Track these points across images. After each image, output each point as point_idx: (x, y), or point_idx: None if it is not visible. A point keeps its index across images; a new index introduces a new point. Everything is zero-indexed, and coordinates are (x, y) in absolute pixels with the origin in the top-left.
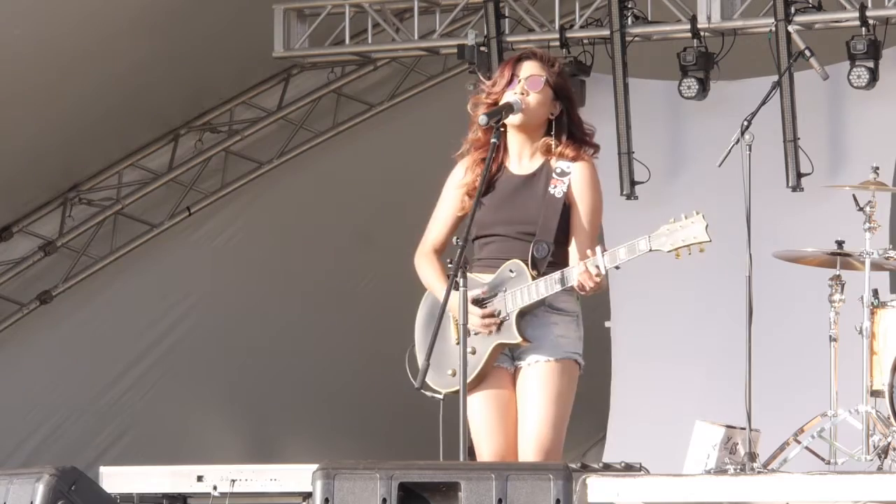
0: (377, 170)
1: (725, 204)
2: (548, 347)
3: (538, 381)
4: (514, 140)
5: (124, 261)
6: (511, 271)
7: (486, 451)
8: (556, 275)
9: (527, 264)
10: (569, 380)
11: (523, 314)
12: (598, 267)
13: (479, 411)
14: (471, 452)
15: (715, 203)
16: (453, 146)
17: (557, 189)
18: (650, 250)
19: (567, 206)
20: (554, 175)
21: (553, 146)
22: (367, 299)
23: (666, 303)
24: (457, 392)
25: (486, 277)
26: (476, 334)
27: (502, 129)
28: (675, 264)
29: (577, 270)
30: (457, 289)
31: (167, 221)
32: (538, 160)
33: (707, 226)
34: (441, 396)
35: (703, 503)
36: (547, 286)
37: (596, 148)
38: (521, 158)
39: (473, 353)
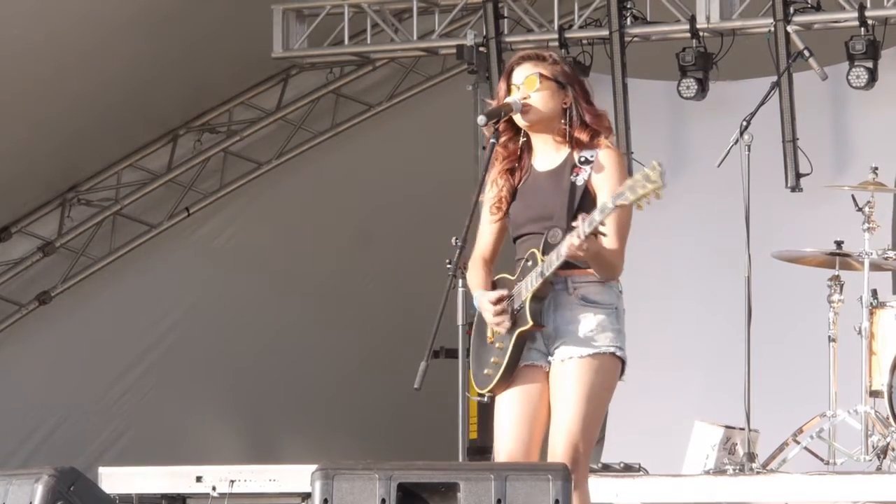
0: (376, 170)
1: (724, 204)
2: (578, 343)
3: (568, 377)
4: (537, 140)
5: (123, 261)
6: (529, 262)
7: (501, 451)
8: (553, 252)
9: (539, 251)
10: (602, 375)
11: (538, 299)
12: (578, 235)
13: (504, 411)
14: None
15: (714, 203)
16: (452, 146)
17: (579, 177)
18: (616, 206)
19: (590, 194)
20: (577, 164)
21: (567, 135)
22: (367, 299)
23: (665, 303)
24: (493, 390)
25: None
26: (504, 332)
27: (522, 135)
28: (673, 264)
29: (565, 243)
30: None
31: (166, 222)
32: (562, 153)
33: (663, 172)
34: (486, 399)
35: (702, 503)
36: (548, 264)
37: (608, 132)
38: (546, 155)
39: (502, 348)
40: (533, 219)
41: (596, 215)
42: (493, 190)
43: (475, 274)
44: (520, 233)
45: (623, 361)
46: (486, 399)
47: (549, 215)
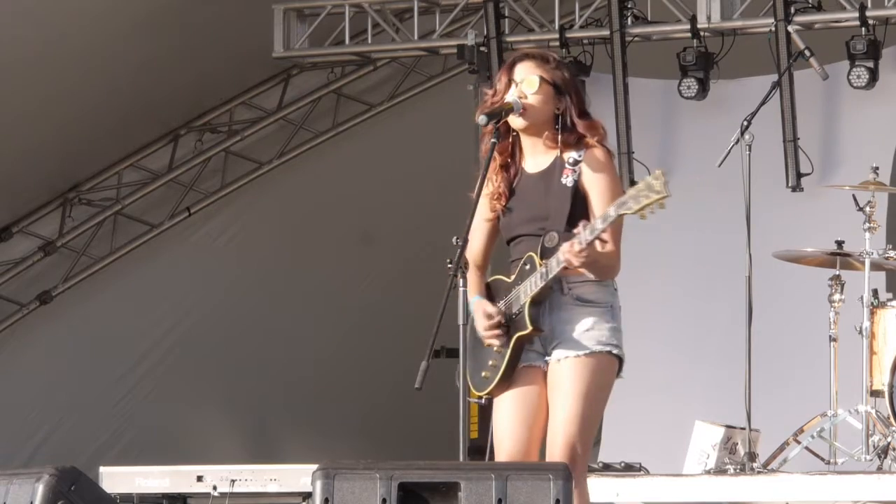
0: (377, 170)
1: (725, 204)
2: (574, 342)
3: (564, 377)
4: (527, 142)
5: (124, 261)
6: (527, 266)
7: (502, 452)
8: (554, 258)
9: (537, 255)
10: (599, 375)
11: (537, 303)
12: (580, 242)
13: (503, 412)
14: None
15: (715, 203)
16: (452, 146)
17: (569, 178)
18: (618, 214)
19: (581, 194)
20: (566, 166)
21: (556, 139)
22: (368, 299)
23: (665, 302)
24: (490, 393)
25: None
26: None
27: (512, 132)
28: (673, 264)
29: (562, 248)
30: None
31: (167, 222)
32: (550, 155)
33: (666, 182)
34: (483, 401)
35: (702, 503)
36: (548, 269)
37: (602, 138)
38: (535, 157)
39: (500, 352)
40: (526, 220)
41: (598, 223)
42: (490, 186)
43: (469, 280)
44: (514, 234)
45: (620, 359)
46: (483, 401)
47: (542, 216)
